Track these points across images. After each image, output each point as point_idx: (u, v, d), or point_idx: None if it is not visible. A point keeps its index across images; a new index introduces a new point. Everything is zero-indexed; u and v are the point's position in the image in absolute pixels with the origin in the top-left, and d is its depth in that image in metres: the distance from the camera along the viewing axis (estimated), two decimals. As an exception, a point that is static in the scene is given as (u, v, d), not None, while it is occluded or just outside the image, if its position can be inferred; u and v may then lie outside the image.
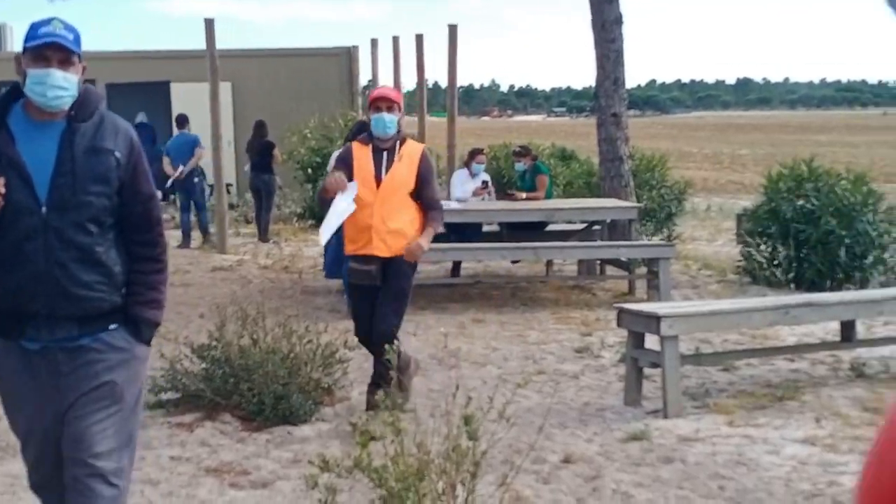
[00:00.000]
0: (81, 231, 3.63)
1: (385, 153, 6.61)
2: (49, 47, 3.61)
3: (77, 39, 3.69)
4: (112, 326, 3.78)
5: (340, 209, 6.49)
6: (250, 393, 7.05)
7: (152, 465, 6.21)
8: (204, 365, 7.36)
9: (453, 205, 12.49)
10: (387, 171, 6.51)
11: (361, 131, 10.88)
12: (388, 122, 6.60)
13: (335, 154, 9.37)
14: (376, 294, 6.90)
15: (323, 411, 7.11)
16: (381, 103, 6.59)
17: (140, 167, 3.81)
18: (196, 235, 16.63)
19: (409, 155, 6.57)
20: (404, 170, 6.59)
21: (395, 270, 6.84)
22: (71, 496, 3.76)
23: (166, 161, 16.44)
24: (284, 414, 6.98)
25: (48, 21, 3.67)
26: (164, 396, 7.32)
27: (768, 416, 7.23)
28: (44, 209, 3.59)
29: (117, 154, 3.69)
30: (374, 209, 6.58)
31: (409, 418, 4.80)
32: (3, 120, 3.68)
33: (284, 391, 7.03)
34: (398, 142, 6.65)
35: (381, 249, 6.74)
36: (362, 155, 6.64)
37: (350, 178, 6.52)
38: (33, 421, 3.83)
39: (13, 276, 3.63)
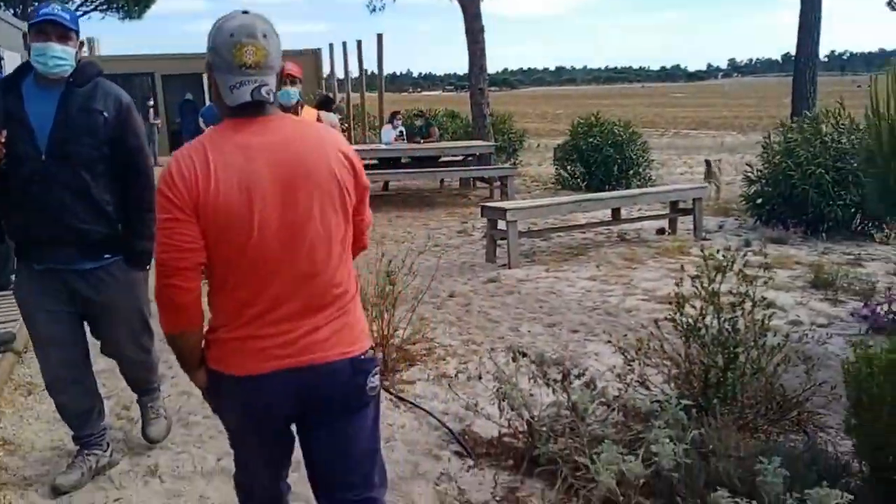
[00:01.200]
0: (76, 175, 2.97)
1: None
2: (48, 24, 2.92)
3: (74, 19, 2.99)
4: (107, 255, 3.12)
5: None
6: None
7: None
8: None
9: (383, 146, 12.60)
10: None
11: (324, 101, 10.88)
12: (291, 93, 5.33)
13: None
14: None
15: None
16: (285, 78, 5.26)
17: (128, 125, 3.08)
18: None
19: (309, 117, 5.40)
20: None
21: None
22: (119, 367, 3.48)
23: (201, 121, 16.65)
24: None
25: (48, 3, 2.96)
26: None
27: (569, 264, 7.34)
28: (44, 157, 2.94)
29: (105, 114, 3.01)
30: None
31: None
32: (17, 85, 3.01)
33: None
34: (300, 107, 5.45)
35: None
36: None
37: None
38: (51, 324, 3.13)
39: (21, 212, 3.01)
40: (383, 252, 5.79)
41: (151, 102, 19.80)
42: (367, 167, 12.06)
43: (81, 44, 3.07)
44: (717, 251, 3.65)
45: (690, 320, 3.61)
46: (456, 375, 4.37)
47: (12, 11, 23.28)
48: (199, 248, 1.89)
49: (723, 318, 3.54)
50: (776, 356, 3.60)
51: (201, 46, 2.25)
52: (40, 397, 4.22)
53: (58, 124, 2.97)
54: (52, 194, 2.97)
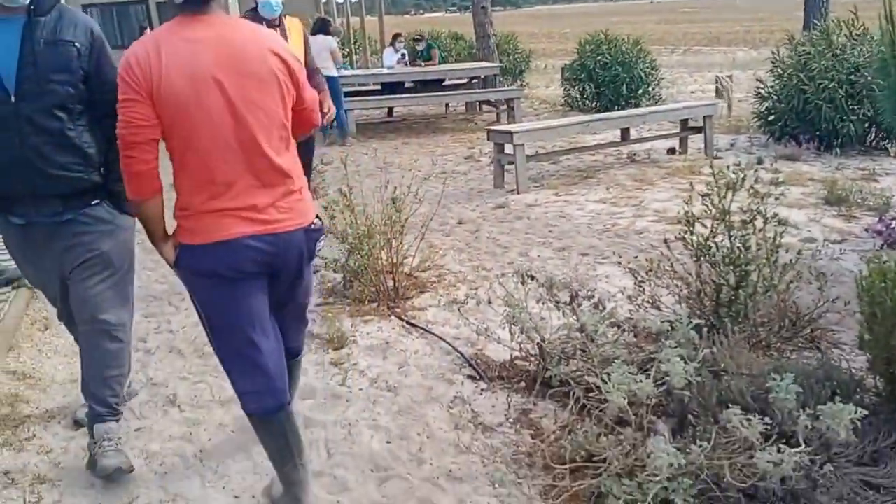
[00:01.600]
0: (51, 117, 2.64)
1: (277, 30, 4.89)
2: None
3: None
4: (94, 202, 2.82)
5: None
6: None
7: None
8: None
9: (385, 71, 12.33)
10: None
11: (322, 24, 10.63)
12: (273, 4, 4.87)
13: None
14: None
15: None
16: None
17: (103, 58, 2.74)
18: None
19: (296, 29, 5.08)
20: (295, 41, 5.00)
21: None
22: (83, 348, 2.95)
23: None
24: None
25: None
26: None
27: (578, 188, 7.22)
28: (13, 99, 2.59)
29: (77, 45, 2.67)
30: None
31: (359, 200, 4.60)
32: None
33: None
34: (282, 18, 5.03)
35: None
36: None
37: None
38: (40, 277, 2.99)
39: None
40: (388, 179, 5.75)
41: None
42: (369, 93, 12.08)
43: None
44: (728, 168, 3.58)
45: (701, 239, 3.56)
46: (466, 301, 4.37)
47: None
48: (152, 126, 2.21)
49: (734, 236, 3.50)
50: (788, 273, 3.57)
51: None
52: (57, 331, 4.26)
53: (25, 60, 2.59)
54: (27, 141, 2.63)
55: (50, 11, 2.69)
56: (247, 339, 2.34)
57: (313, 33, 10.80)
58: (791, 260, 3.58)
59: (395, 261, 4.58)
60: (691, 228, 3.60)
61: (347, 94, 11.16)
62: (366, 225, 4.57)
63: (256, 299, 2.35)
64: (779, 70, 8.71)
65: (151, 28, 19.83)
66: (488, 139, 7.71)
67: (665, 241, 3.83)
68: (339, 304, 4.51)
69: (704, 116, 8.43)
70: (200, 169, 2.24)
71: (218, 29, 2.26)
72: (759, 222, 3.51)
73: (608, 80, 12.05)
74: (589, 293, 3.40)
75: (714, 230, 3.55)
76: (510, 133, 7.23)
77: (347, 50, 16.71)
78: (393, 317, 4.30)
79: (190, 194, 2.28)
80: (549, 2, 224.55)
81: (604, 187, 7.21)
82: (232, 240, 2.26)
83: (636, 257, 4.96)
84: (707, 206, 3.58)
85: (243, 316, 2.33)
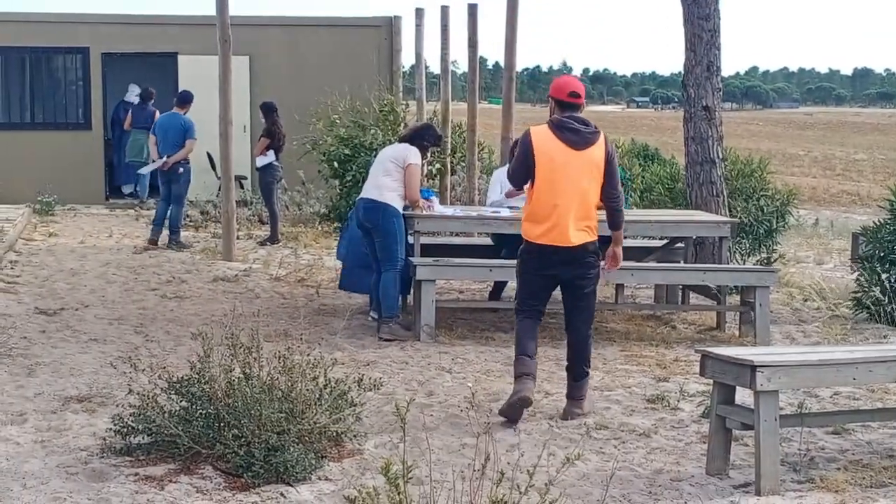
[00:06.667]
0: None
1: None
2: None
3: None
4: None
5: None
6: (237, 442, 5.95)
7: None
8: (183, 403, 6.25)
9: (487, 213, 10.88)
10: None
11: (419, 134, 9.85)
12: None
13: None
14: None
15: (327, 468, 6.03)
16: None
17: None
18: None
19: None
20: None
21: None
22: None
23: (152, 142, 15.22)
24: (278, 470, 5.88)
25: None
26: (134, 440, 6.23)
27: (890, 496, 6.06)
28: None
29: None
30: None
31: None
32: None
33: (280, 441, 5.98)
34: None
35: None
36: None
37: None
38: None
39: None
40: (488, 453, 4.84)
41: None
42: (467, 250, 11.23)
43: None
44: None
45: None
46: None
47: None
48: None
49: None
50: None
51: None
52: None
53: None
54: None
55: None
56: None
57: (402, 139, 10.38)
58: None
59: None
60: None
61: (427, 251, 10.12)
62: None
63: None
64: None
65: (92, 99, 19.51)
66: (703, 373, 6.52)
67: None
68: None
69: None
70: None
71: None
72: None
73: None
74: None
75: None
76: (750, 365, 6.01)
77: (441, 160, 15.23)
78: None
79: None
80: (829, 99, 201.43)
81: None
82: None
83: None
84: None
85: None
